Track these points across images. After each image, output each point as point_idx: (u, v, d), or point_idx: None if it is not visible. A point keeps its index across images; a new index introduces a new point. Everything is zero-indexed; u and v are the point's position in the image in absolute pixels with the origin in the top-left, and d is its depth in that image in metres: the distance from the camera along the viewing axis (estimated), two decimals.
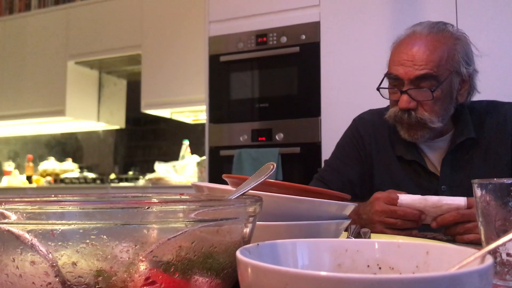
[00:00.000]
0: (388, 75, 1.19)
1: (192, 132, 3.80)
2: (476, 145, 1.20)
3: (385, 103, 1.45)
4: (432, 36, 1.14)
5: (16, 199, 0.44)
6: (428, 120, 1.14)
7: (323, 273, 0.28)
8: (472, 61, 1.18)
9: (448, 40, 1.15)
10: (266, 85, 2.51)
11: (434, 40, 1.14)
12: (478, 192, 0.56)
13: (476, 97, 1.24)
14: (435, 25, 1.17)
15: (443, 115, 1.16)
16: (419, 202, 0.98)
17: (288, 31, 2.45)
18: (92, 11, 3.72)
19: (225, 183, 0.69)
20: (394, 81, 1.17)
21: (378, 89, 1.21)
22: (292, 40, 2.44)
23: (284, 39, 2.46)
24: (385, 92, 1.22)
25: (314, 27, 2.39)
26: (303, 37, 2.41)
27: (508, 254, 0.52)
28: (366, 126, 1.34)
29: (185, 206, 0.37)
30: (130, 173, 3.91)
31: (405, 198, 1.00)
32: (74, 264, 0.35)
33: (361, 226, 0.73)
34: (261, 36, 2.51)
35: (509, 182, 0.53)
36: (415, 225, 1.00)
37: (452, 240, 0.97)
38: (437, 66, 1.11)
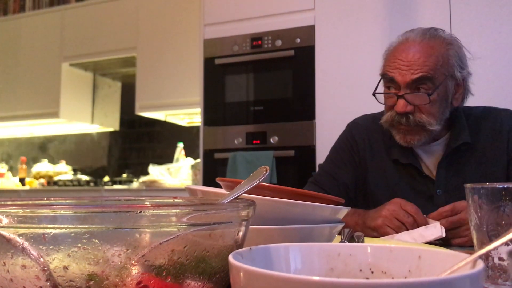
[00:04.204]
0: (383, 76, 1.20)
1: (186, 134, 3.79)
2: (472, 150, 1.21)
3: (379, 107, 1.46)
4: (425, 42, 1.16)
5: (8, 202, 0.43)
6: (427, 123, 1.15)
7: (315, 278, 0.28)
8: (465, 64, 1.19)
9: (441, 45, 1.16)
10: (261, 88, 2.51)
11: (427, 46, 1.15)
12: (470, 196, 0.57)
13: (470, 100, 1.24)
14: (427, 31, 1.18)
15: (440, 118, 1.17)
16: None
17: (283, 35, 2.46)
18: (87, 13, 3.71)
19: (219, 186, 0.69)
20: (390, 84, 1.18)
21: (374, 94, 1.21)
22: (287, 44, 2.45)
23: (279, 43, 2.46)
24: (381, 97, 1.22)
25: (309, 31, 2.40)
26: (298, 40, 2.42)
27: (500, 258, 0.52)
28: (360, 131, 1.34)
29: (177, 210, 0.37)
30: (124, 175, 3.89)
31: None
32: (65, 268, 0.34)
33: (354, 231, 0.73)
34: (256, 39, 2.51)
35: (501, 186, 0.53)
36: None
37: (445, 244, 0.98)
38: (433, 70, 1.13)
